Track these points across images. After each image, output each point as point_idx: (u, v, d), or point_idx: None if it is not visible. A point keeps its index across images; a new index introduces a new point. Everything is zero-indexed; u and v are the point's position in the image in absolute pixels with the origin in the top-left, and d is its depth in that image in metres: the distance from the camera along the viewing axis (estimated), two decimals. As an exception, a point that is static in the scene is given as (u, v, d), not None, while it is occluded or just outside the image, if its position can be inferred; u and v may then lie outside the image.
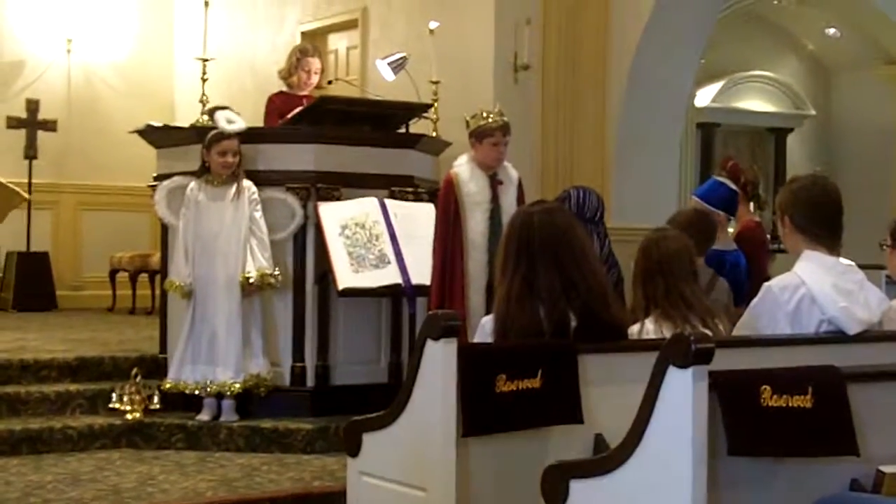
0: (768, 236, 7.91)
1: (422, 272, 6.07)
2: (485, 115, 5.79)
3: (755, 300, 3.61)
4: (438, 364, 3.06)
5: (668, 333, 3.46)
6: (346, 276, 6.26)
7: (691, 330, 3.47)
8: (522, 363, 3.12)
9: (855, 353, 3.40)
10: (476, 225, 5.66)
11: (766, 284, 3.62)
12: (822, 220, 3.57)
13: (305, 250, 6.58)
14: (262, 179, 6.46)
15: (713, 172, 7.57)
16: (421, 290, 6.14)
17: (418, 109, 7.01)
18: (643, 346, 3.33)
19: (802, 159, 13.62)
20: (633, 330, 3.69)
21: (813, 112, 13.74)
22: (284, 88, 7.63)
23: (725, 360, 2.79)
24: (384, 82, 7.78)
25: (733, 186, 5.96)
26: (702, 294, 3.89)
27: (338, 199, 6.51)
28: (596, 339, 3.33)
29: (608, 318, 3.39)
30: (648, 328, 3.69)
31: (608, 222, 5.78)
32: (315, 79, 7.56)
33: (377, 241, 6.38)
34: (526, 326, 3.31)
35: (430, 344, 3.10)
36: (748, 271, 5.74)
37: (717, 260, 5.38)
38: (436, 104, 7.25)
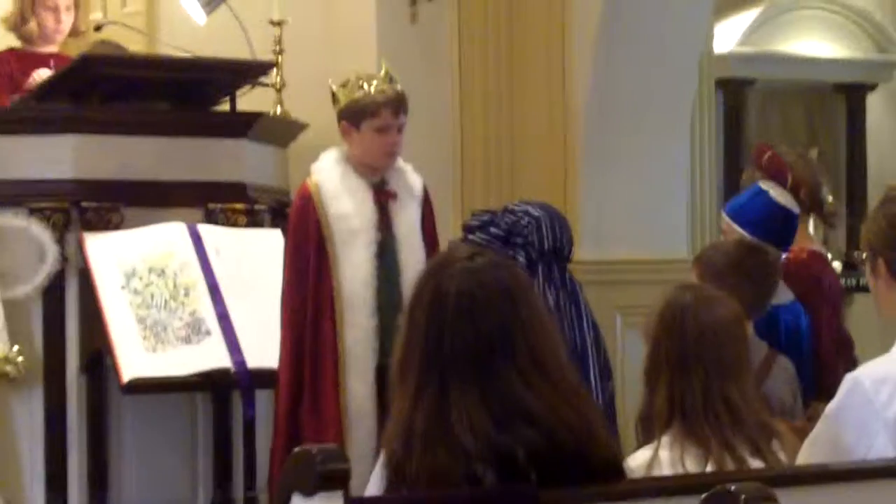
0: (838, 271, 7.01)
1: (264, 348, 5.35)
2: (363, 82, 5.11)
3: (835, 400, 3.14)
4: (317, 539, 2.63)
5: (693, 467, 3.09)
6: (137, 359, 5.43)
7: (731, 461, 3.06)
8: None
9: None
10: (354, 268, 4.98)
11: (850, 376, 3.17)
12: None
13: (65, 316, 5.65)
14: (-15, 197, 5.85)
15: (744, 166, 6.78)
16: (263, 377, 5.33)
17: (250, 71, 6.10)
18: (648, 488, 2.81)
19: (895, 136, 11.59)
20: (637, 461, 3.16)
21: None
22: (18, 44, 6.57)
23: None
24: (192, 26, 6.85)
25: (785, 201, 5.06)
26: (755, 397, 3.37)
27: (118, 227, 5.65)
28: (569, 481, 2.72)
29: (591, 449, 2.75)
30: (662, 458, 3.15)
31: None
32: (68, 20, 6.46)
33: (187, 297, 5.65)
34: (441, 471, 2.70)
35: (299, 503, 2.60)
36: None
37: (765, 322, 4.70)
38: (279, 60, 6.38)
